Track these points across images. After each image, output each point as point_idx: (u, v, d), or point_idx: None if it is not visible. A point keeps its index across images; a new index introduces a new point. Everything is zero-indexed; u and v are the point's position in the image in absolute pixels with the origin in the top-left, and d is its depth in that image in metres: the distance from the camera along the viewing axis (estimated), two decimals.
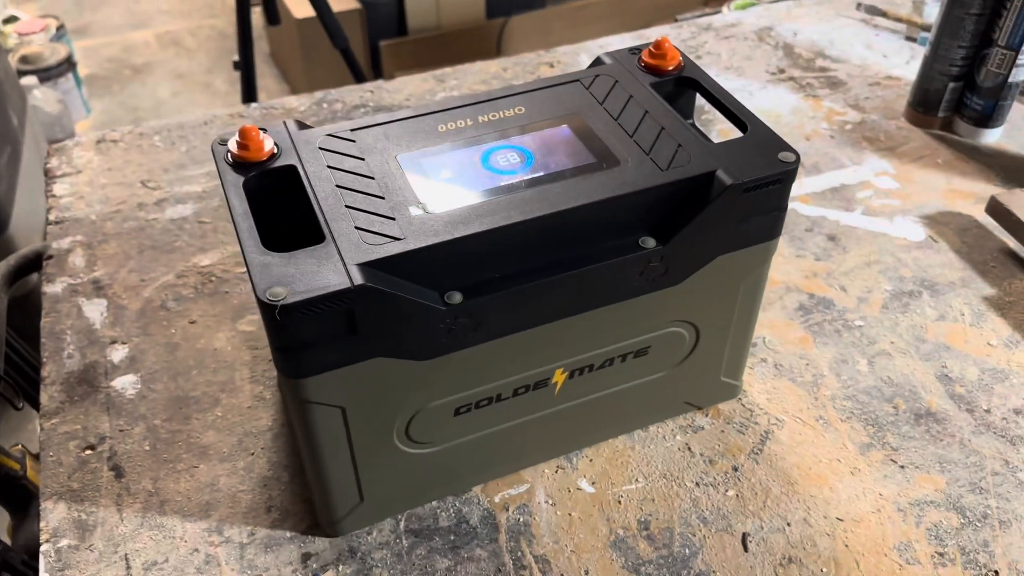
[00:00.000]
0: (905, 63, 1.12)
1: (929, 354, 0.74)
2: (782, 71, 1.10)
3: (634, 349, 0.61)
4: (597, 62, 0.67)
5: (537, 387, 0.60)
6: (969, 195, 0.91)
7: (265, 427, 0.69)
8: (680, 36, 1.17)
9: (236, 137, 0.56)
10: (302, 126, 0.59)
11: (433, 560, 0.60)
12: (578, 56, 1.13)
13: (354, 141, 0.58)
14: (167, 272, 0.82)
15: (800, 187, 0.92)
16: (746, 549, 0.61)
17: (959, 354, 0.74)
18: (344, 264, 0.49)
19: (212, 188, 0.92)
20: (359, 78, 1.86)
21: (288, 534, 0.61)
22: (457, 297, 0.52)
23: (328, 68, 2.35)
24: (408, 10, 2.67)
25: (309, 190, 0.54)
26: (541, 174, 0.55)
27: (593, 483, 0.65)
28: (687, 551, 0.61)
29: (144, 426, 0.69)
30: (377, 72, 2.62)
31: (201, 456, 0.66)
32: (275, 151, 0.57)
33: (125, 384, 0.72)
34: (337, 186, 0.54)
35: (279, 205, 0.56)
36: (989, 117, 0.96)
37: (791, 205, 0.88)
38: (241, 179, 0.55)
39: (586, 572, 0.60)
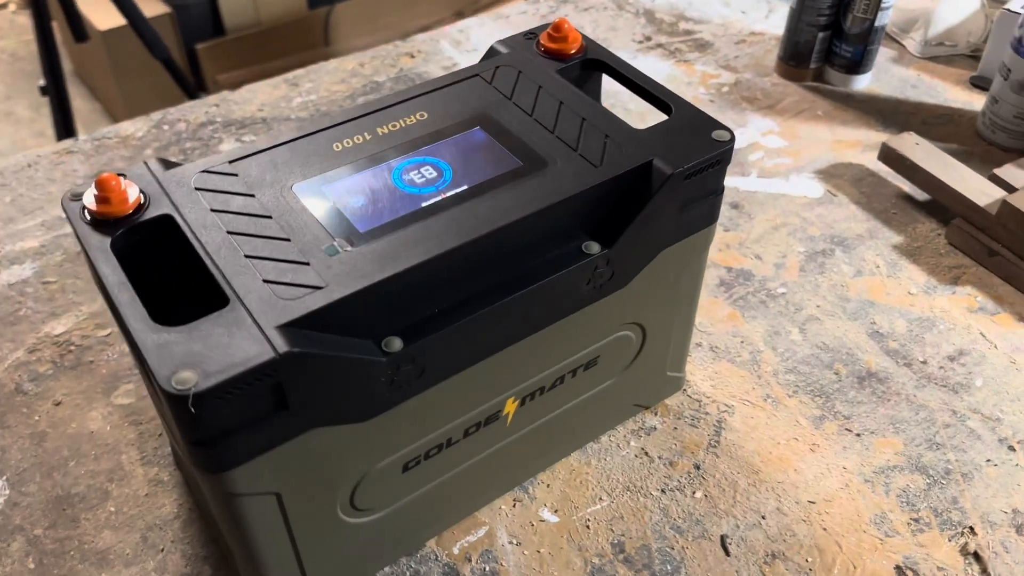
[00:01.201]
0: (764, 18, 1.11)
1: (856, 312, 0.73)
2: (648, 39, 1.07)
3: (584, 361, 0.56)
4: (491, 52, 0.60)
5: (488, 422, 0.53)
6: (855, 144, 0.91)
7: (170, 515, 0.59)
8: (539, 12, 1.12)
9: (93, 190, 0.46)
10: (167, 164, 0.50)
11: None
12: (438, 43, 1.06)
13: (236, 175, 0.49)
14: (15, 348, 0.70)
15: None
16: (728, 553, 0.57)
17: (884, 308, 0.74)
18: (260, 329, 0.40)
19: (51, 240, 0.79)
20: (187, 89, 1.71)
21: None
22: (397, 343, 0.44)
23: (143, 80, 2.16)
24: (223, 8, 2.49)
25: (195, 242, 0.45)
26: (465, 188, 0.49)
27: (556, 511, 0.59)
28: (668, 567, 0.56)
29: (23, 539, 0.57)
30: (198, 78, 2.43)
31: (101, 564, 0.56)
32: (142, 200, 0.47)
33: None
34: (229, 232, 0.45)
35: (157, 265, 0.47)
36: (859, 63, 0.96)
37: None
38: (107, 240, 0.45)
39: None
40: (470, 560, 0.57)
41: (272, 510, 0.46)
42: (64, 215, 0.50)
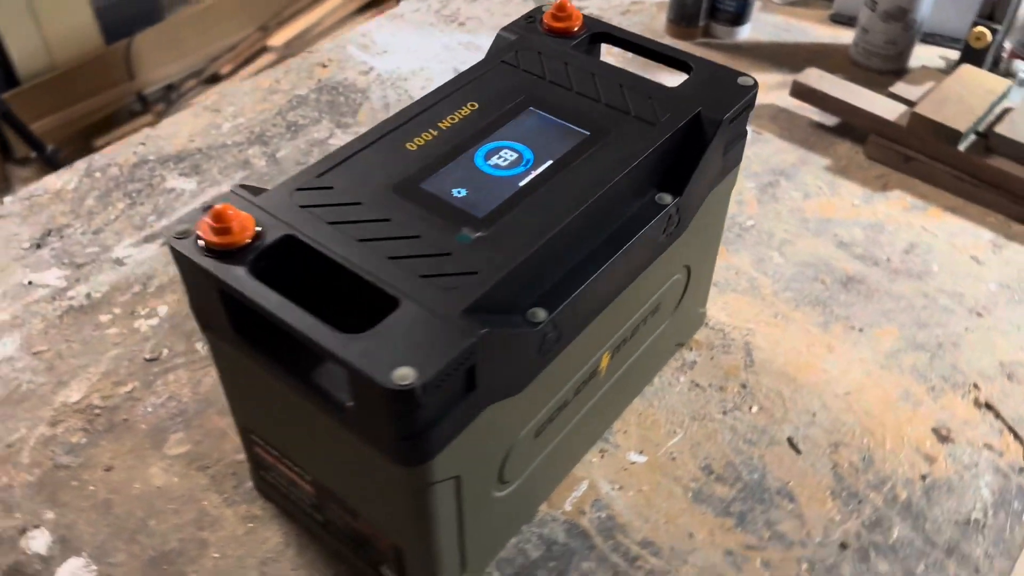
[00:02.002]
0: None
1: (818, 230, 0.83)
2: None
3: (653, 308, 0.61)
4: (500, 40, 0.63)
5: (591, 377, 0.57)
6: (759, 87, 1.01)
7: (280, 545, 0.58)
8: (431, 7, 1.15)
9: (209, 222, 0.45)
10: (254, 191, 0.50)
11: None
12: (345, 49, 1.06)
13: (332, 188, 0.50)
14: (34, 424, 0.65)
15: None
16: (798, 451, 0.64)
17: (839, 222, 0.83)
18: (445, 319, 0.42)
19: (22, 309, 0.74)
20: (32, 143, 1.59)
21: None
22: (542, 314, 0.47)
23: None
24: (14, 56, 2.30)
25: (333, 256, 0.45)
26: (550, 163, 0.52)
27: (641, 452, 0.64)
28: (756, 476, 0.63)
29: None
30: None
31: None
32: (258, 228, 0.47)
33: (75, 572, 0.57)
34: (360, 240, 0.46)
35: (287, 285, 0.47)
36: (741, 15, 1.07)
37: None
38: (242, 268, 0.45)
39: (690, 534, 0.59)
40: (584, 512, 0.60)
41: (452, 494, 0.48)
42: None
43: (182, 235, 0.46)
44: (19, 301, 0.75)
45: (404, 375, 0.40)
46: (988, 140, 0.84)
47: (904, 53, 1.01)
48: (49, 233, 0.81)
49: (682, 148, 0.55)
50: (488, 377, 0.44)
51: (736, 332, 0.73)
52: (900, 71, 1.01)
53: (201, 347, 0.71)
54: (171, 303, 0.74)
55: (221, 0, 2.77)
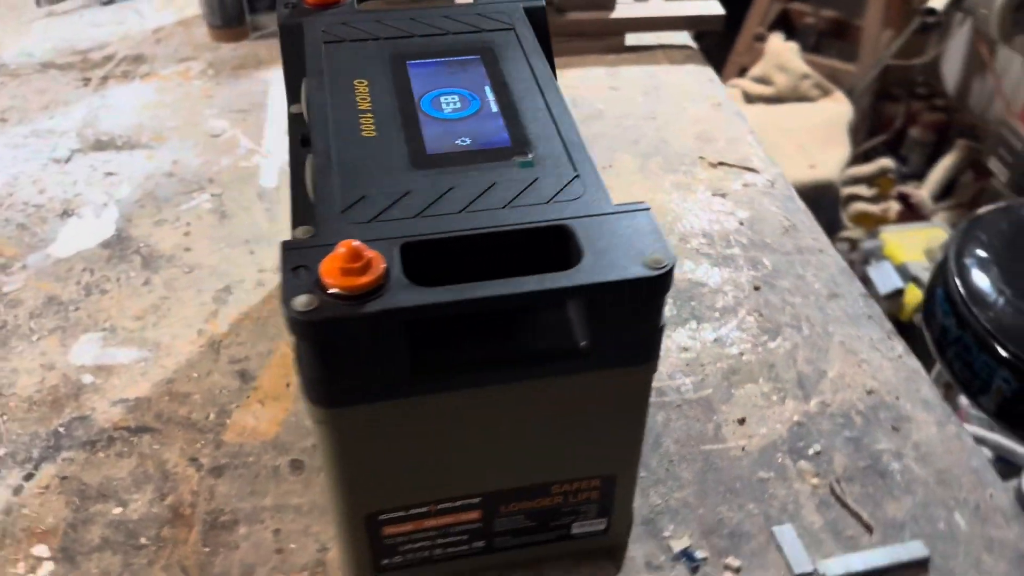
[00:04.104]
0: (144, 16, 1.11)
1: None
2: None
3: None
4: (289, 36, 0.58)
5: None
6: None
7: None
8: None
9: (343, 266, 0.38)
10: (304, 239, 0.42)
11: None
12: None
13: (364, 196, 0.44)
14: None
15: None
16: None
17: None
18: (614, 216, 0.43)
19: None
20: None
21: None
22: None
23: None
24: None
25: (468, 232, 0.42)
26: (489, 87, 0.53)
27: None
28: None
29: None
30: None
31: None
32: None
33: None
34: (460, 212, 0.43)
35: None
36: None
37: None
38: (409, 291, 0.39)
39: None
40: None
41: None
42: None
43: (308, 306, 0.38)
44: None
45: (656, 261, 0.40)
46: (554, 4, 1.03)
47: None
48: None
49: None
50: None
51: None
52: None
53: None
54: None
55: None
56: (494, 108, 0.51)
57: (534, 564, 0.53)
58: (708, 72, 1.03)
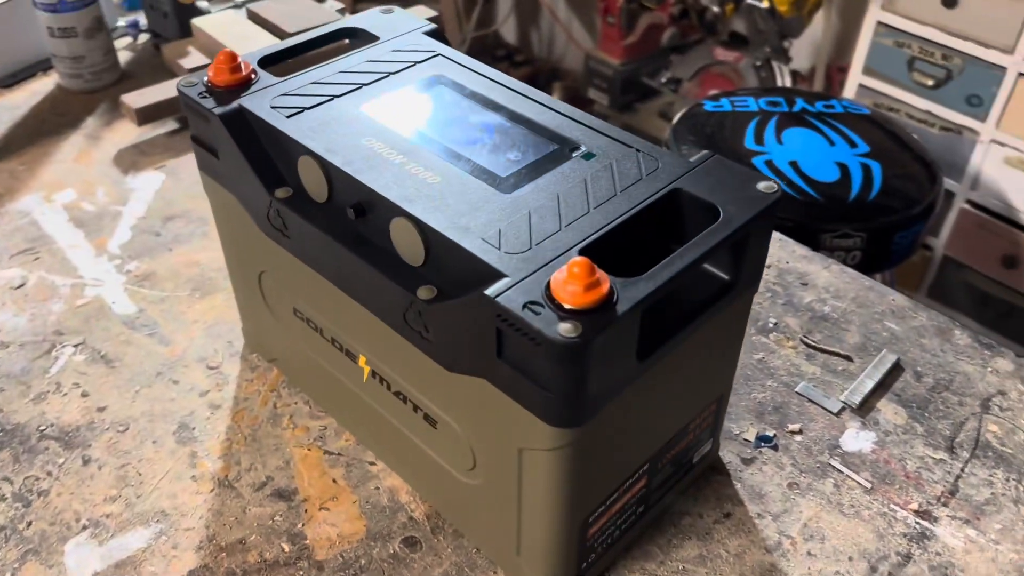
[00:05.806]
0: None
1: None
2: None
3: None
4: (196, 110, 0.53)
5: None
6: None
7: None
8: None
9: (576, 283, 0.39)
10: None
11: None
12: None
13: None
14: None
15: None
16: None
17: None
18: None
19: None
20: None
21: None
22: None
23: None
24: None
25: (615, 222, 0.45)
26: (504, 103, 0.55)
27: None
28: None
29: None
30: None
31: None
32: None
33: None
34: (597, 207, 0.46)
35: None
36: None
37: None
38: (643, 281, 0.42)
39: None
40: None
41: None
42: None
43: (574, 332, 0.39)
44: None
45: (768, 187, 0.48)
46: None
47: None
48: None
49: None
50: None
51: None
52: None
53: None
54: None
55: None
56: (506, 123, 0.53)
57: (668, 509, 0.58)
58: None
